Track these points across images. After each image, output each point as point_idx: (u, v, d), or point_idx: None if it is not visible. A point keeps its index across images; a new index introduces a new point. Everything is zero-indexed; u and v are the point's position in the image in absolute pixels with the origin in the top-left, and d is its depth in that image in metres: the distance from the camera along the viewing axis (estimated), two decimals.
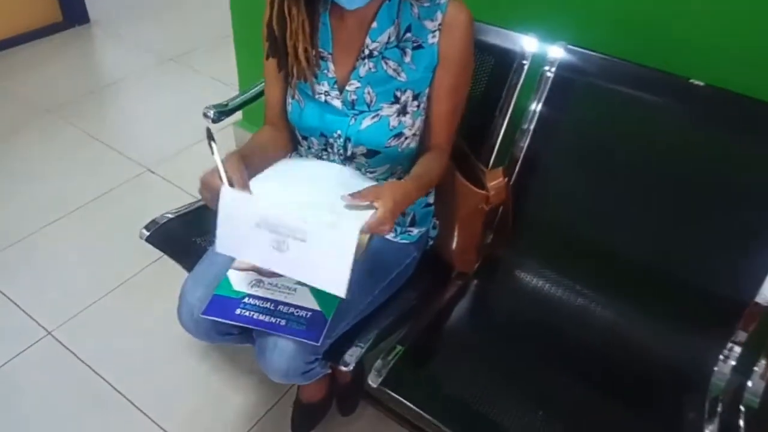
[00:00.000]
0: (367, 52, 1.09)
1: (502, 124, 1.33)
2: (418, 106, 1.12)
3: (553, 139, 1.35)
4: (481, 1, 1.24)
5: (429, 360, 1.25)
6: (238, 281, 1.13)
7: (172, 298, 1.20)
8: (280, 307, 1.09)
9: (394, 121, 1.11)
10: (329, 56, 1.12)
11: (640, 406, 1.16)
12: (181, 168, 2.37)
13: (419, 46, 1.09)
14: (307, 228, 0.93)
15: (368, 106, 1.12)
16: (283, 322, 1.06)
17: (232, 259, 1.16)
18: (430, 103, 1.13)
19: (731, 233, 1.20)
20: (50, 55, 3.13)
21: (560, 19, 1.37)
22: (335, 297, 1.08)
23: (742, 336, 1.17)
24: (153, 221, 1.43)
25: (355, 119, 1.12)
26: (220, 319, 1.09)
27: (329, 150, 1.17)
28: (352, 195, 0.96)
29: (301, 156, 1.26)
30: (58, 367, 1.67)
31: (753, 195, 1.17)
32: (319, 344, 1.05)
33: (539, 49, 1.30)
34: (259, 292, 1.11)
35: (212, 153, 0.99)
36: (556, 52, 1.29)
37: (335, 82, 1.13)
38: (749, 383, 1.09)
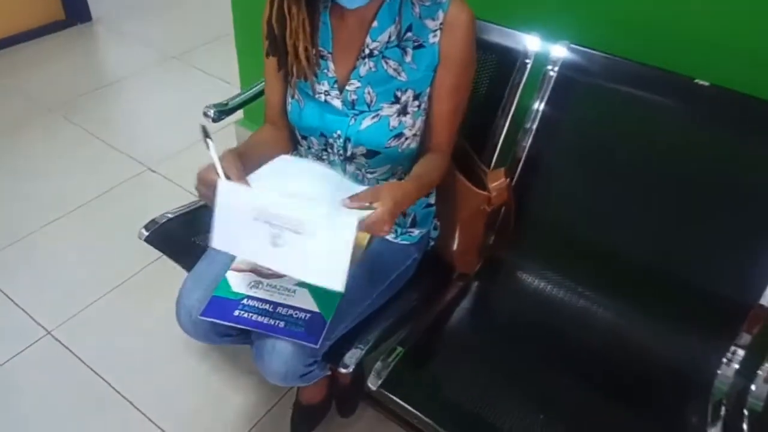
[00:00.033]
0: (367, 51, 1.08)
1: (505, 124, 1.32)
2: (419, 106, 1.11)
3: (556, 139, 1.34)
4: (484, 0, 1.23)
5: (429, 362, 1.24)
6: (237, 282, 1.12)
7: (172, 297, 1.19)
8: (279, 309, 1.08)
9: (394, 122, 1.10)
10: (329, 55, 1.11)
11: (642, 408, 1.15)
12: (183, 167, 2.36)
13: (420, 46, 1.08)
14: (305, 218, 0.92)
15: (368, 106, 1.11)
16: (281, 324, 1.06)
17: (232, 260, 1.15)
18: (431, 103, 1.12)
19: (735, 234, 1.19)
20: (52, 53, 3.13)
21: (563, 18, 1.36)
22: (335, 299, 1.09)
23: (746, 339, 1.16)
24: (152, 221, 1.42)
25: (355, 119, 1.11)
26: (218, 321, 1.08)
27: (329, 150, 1.16)
28: (351, 198, 0.94)
29: (300, 156, 1.25)
30: (58, 367, 1.67)
31: (757, 195, 1.16)
32: (317, 347, 1.04)
33: (542, 48, 1.28)
34: (258, 294, 1.10)
35: (208, 149, 0.97)
36: (559, 51, 1.28)
37: (335, 82, 1.12)
38: (753, 387, 1.08)
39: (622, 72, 1.25)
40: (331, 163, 1.18)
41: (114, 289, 1.88)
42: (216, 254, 1.13)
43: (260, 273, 1.13)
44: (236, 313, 1.08)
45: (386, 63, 1.08)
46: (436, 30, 1.07)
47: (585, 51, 1.27)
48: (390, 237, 1.23)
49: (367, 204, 0.93)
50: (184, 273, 1.24)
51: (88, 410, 1.57)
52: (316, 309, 1.08)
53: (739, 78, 1.16)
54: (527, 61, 1.29)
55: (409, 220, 1.24)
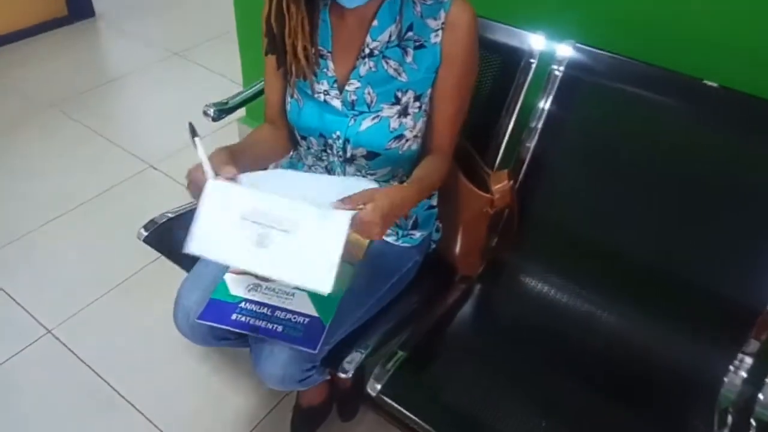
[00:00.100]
0: (367, 51, 1.06)
1: (509, 124, 1.30)
2: (420, 108, 1.09)
3: (561, 140, 1.32)
4: None
5: (431, 365, 1.22)
6: (235, 285, 1.11)
7: (172, 297, 1.18)
8: (277, 313, 1.06)
9: (394, 123, 1.08)
10: (329, 54, 1.09)
11: (646, 413, 1.14)
12: (185, 165, 2.29)
13: (421, 46, 1.06)
14: (296, 217, 0.89)
15: (368, 106, 1.09)
16: (279, 329, 1.04)
17: None
18: (433, 105, 1.10)
19: (741, 236, 1.17)
20: (55, 49, 3.12)
21: (568, 17, 1.34)
22: (334, 303, 1.07)
23: (754, 346, 1.14)
24: (152, 221, 1.41)
25: (355, 120, 1.09)
26: (215, 325, 1.06)
27: (328, 151, 1.14)
28: (343, 200, 0.92)
29: (301, 157, 1.23)
30: (58, 366, 1.66)
31: (765, 196, 1.14)
32: (315, 352, 1.02)
33: (547, 47, 1.27)
34: (256, 297, 1.09)
35: (195, 147, 0.95)
36: (565, 50, 1.26)
37: (335, 81, 1.10)
38: (761, 396, 1.06)
39: (627, 72, 1.24)
40: (331, 165, 1.17)
41: (115, 288, 1.88)
42: None
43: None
44: (234, 316, 1.06)
45: (386, 63, 1.06)
46: (437, 30, 1.05)
47: (591, 50, 1.25)
48: (391, 239, 1.21)
49: (361, 205, 0.91)
50: (184, 273, 1.23)
51: (87, 410, 1.56)
52: (314, 313, 1.06)
53: (746, 78, 1.15)
54: (532, 60, 1.27)
55: (411, 222, 1.22)
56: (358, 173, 1.15)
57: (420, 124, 1.11)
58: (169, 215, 1.43)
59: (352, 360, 1.12)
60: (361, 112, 1.09)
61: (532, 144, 1.31)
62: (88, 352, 1.69)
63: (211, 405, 1.58)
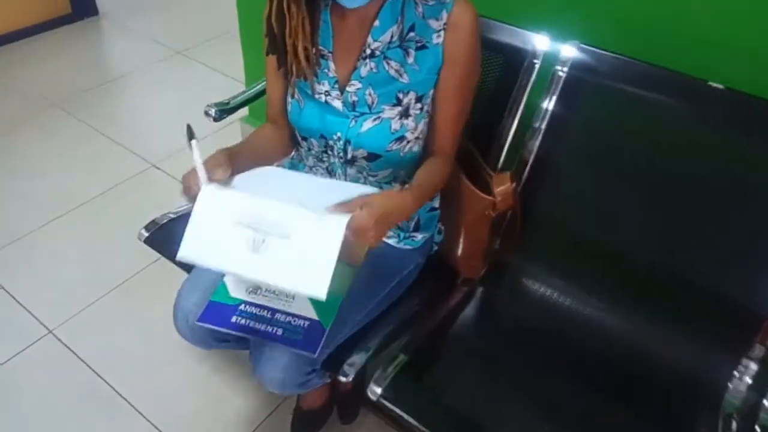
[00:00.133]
0: (368, 51, 1.05)
1: (512, 125, 1.29)
2: (421, 109, 1.08)
3: (565, 141, 1.31)
4: None
5: (432, 368, 1.21)
6: (235, 287, 1.10)
7: (174, 298, 1.18)
8: (277, 316, 1.05)
9: (395, 124, 1.07)
10: (330, 55, 1.08)
11: (650, 418, 1.12)
12: (187, 164, 2.27)
13: (423, 47, 1.04)
14: (292, 222, 0.88)
15: (369, 107, 1.08)
16: (279, 332, 1.03)
17: None
18: (435, 106, 1.09)
19: (748, 240, 1.16)
20: (58, 48, 3.12)
21: (572, 17, 1.33)
22: (334, 306, 1.06)
23: (759, 351, 1.12)
24: (153, 221, 1.40)
25: (356, 121, 1.08)
26: (215, 327, 1.06)
27: (329, 152, 1.13)
28: (338, 205, 0.91)
29: (302, 158, 1.23)
30: (58, 367, 1.66)
31: None
32: (315, 356, 1.01)
33: (551, 47, 1.26)
34: (256, 299, 1.08)
35: (191, 150, 0.94)
36: (569, 51, 1.25)
37: (336, 82, 1.09)
38: (766, 402, 1.04)
39: (632, 73, 1.23)
40: (332, 166, 1.16)
41: (116, 288, 1.87)
42: None
43: None
44: (233, 319, 1.05)
45: (388, 64, 1.05)
46: (439, 30, 1.03)
47: (595, 51, 1.24)
48: (392, 242, 1.20)
49: (357, 210, 0.89)
50: (185, 273, 1.23)
51: (88, 411, 1.56)
52: (315, 316, 1.05)
53: (740, 77, 1.14)
54: (536, 61, 1.26)
55: (413, 224, 1.21)
56: (359, 175, 1.14)
57: (421, 126, 1.09)
58: (171, 215, 1.42)
59: (353, 363, 1.11)
60: (362, 114, 1.08)
61: (535, 145, 1.30)
62: (89, 353, 1.69)
63: (212, 406, 1.58)
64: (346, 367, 1.10)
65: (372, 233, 0.89)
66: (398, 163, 1.11)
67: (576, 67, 1.25)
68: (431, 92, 1.08)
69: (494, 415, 1.11)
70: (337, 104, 1.09)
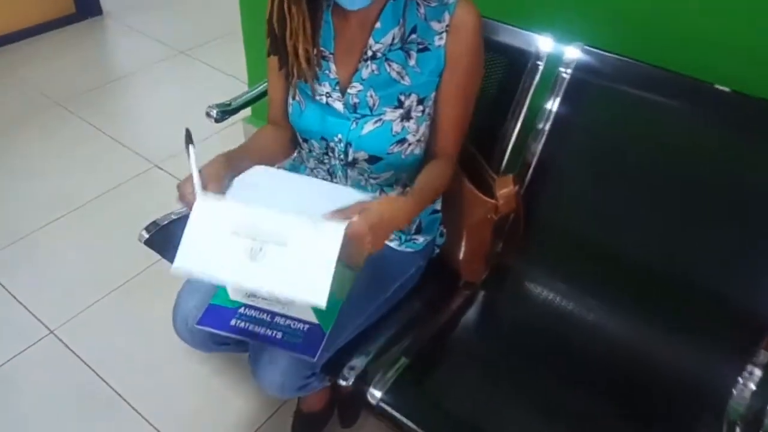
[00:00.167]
0: (369, 53, 1.04)
1: (515, 128, 1.28)
2: (423, 111, 1.07)
3: (568, 144, 1.30)
4: None
5: (433, 372, 1.20)
6: (235, 290, 1.09)
7: (175, 299, 1.17)
8: (277, 319, 1.05)
9: (397, 127, 1.06)
10: (331, 56, 1.07)
11: (652, 424, 1.11)
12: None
13: (425, 49, 1.03)
14: (289, 230, 0.87)
15: (371, 110, 1.07)
16: (279, 335, 1.02)
17: None
18: (437, 108, 1.08)
19: (754, 245, 1.14)
20: (62, 47, 3.12)
21: (576, 19, 1.32)
22: (334, 309, 1.05)
23: (764, 357, 1.11)
24: (153, 222, 1.40)
25: (357, 123, 1.07)
26: (214, 330, 1.05)
27: (330, 154, 1.12)
28: (335, 213, 0.90)
29: (303, 160, 1.22)
30: (59, 367, 1.66)
31: None
32: (315, 360, 1.00)
33: (555, 49, 1.24)
34: (256, 303, 1.07)
35: (188, 158, 0.94)
36: (573, 52, 1.24)
37: (337, 83, 1.08)
38: None
39: (636, 74, 1.21)
40: (333, 168, 1.15)
41: (117, 288, 1.87)
42: None
43: None
44: (233, 322, 1.05)
45: (389, 66, 1.04)
46: (441, 32, 1.02)
47: (599, 53, 1.23)
48: (393, 244, 1.19)
49: (354, 217, 0.89)
50: None
51: (88, 412, 1.56)
52: (314, 320, 1.05)
53: (742, 78, 1.14)
54: (539, 62, 1.25)
55: (414, 226, 1.20)
56: (361, 177, 1.14)
57: (423, 128, 1.08)
58: (173, 216, 1.41)
59: (353, 367, 1.10)
60: (364, 116, 1.07)
61: (538, 147, 1.29)
62: (90, 353, 1.69)
63: (212, 408, 1.57)
64: (346, 371, 1.09)
65: (369, 240, 0.88)
66: (399, 165, 1.10)
67: (580, 68, 1.24)
68: (433, 94, 1.07)
69: (495, 419, 1.10)
70: (338, 106, 1.08)
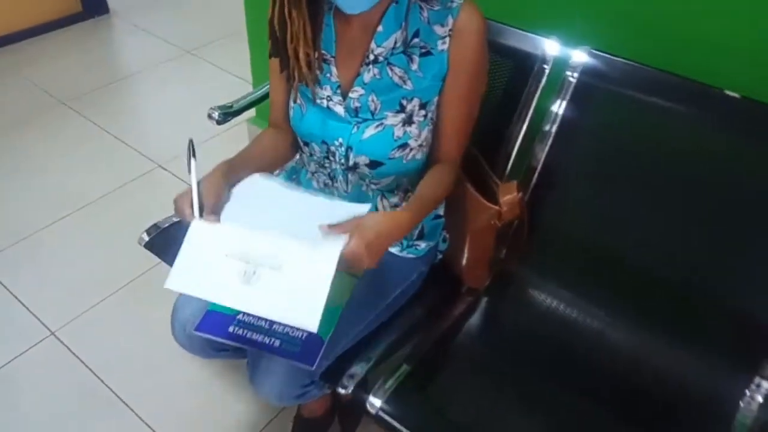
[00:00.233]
0: (371, 57, 1.03)
1: (520, 132, 1.27)
2: (425, 116, 1.05)
3: (574, 148, 1.28)
4: (500, 1, 1.17)
5: (435, 379, 1.19)
6: None
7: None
8: (275, 326, 1.03)
9: (398, 131, 1.04)
10: (332, 59, 1.05)
11: None
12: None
13: (428, 53, 1.02)
14: (283, 254, 0.88)
15: (372, 114, 1.05)
16: (277, 343, 1.01)
17: None
18: (440, 113, 1.06)
19: (763, 253, 1.12)
20: (68, 46, 3.12)
21: (583, 22, 1.30)
22: (334, 317, 1.04)
23: None
24: (154, 225, 1.39)
25: (358, 127, 1.05)
26: (212, 337, 1.04)
27: (331, 158, 1.11)
28: (331, 226, 0.89)
29: (304, 163, 1.20)
30: (60, 369, 1.65)
31: None
32: (313, 368, 0.99)
33: (561, 53, 1.23)
34: None
35: (189, 171, 0.93)
36: (580, 56, 1.22)
37: (338, 87, 1.06)
38: None
39: (643, 79, 1.20)
40: (333, 172, 1.13)
41: (120, 289, 1.86)
42: None
43: None
44: (231, 329, 1.04)
45: (391, 70, 1.03)
46: (445, 37, 1.01)
47: (606, 57, 1.21)
48: (395, 250, 1.17)
49: (347, 234, 0.88)
50: None
51: (88, 414, 1.55)
52: None
53: (741, 78, 1.13)
54: (545, 66, 1.23)
55: (417, 232, 1.18)
56: (362, 182, 1.12)
57: (425, 133, 1.07)
58: (174, 219, 1.40)
59: (353, 375, 1.09)
60: (365, 120, 1.06)
61: (543, 152, 1.27)
62: (91, 355, 1.68)
63: (212, 411, 1.56)
64: (345, 379, 1.07)
65: (366, 259, 0.88)
66: (401, 170, 1.09)
67: (587, 72, 1.22)
68: (436, 99, 1.05)
69: (498, 427, 1.09)
70: (339, 110, 1.06)
